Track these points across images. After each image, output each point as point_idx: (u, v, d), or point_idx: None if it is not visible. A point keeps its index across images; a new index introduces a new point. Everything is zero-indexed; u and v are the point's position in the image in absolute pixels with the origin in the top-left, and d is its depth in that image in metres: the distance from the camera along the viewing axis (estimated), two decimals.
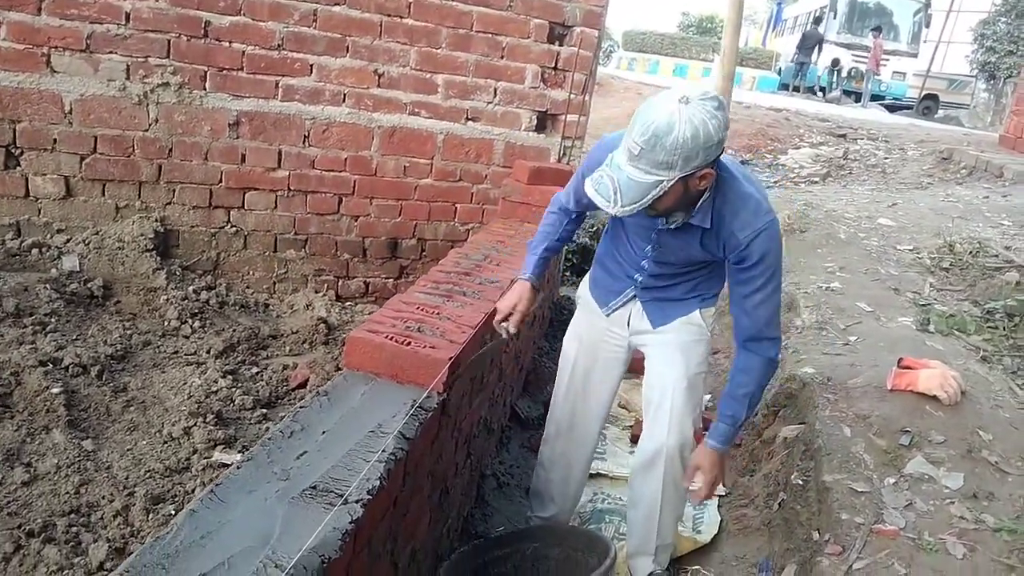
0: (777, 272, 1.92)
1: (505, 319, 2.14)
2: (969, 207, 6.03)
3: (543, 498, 2.57)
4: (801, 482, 2.55)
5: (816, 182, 8.20)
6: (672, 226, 1.96)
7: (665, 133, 1.59)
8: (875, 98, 19.31)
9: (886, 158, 9.16)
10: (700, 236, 1.95)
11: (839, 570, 2.14)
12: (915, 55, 20.67)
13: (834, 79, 19.85)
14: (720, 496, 2.88)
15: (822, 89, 20.08)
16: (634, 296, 2.24)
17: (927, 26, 21.07)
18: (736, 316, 2.03)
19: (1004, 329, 3.49)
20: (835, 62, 19.71)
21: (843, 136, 10.39)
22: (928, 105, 20.04)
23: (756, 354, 2.00)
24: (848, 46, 19.85)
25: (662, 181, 1.65)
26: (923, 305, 3.78)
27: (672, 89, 1.69)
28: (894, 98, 19.96)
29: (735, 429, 2.07)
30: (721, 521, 2.74)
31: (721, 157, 1.78)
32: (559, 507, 2.56)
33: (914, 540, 2.19)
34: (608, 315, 2.31)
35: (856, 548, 2.19)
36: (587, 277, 2.43)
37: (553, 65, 3.94)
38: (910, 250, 4.71)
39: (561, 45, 3.92)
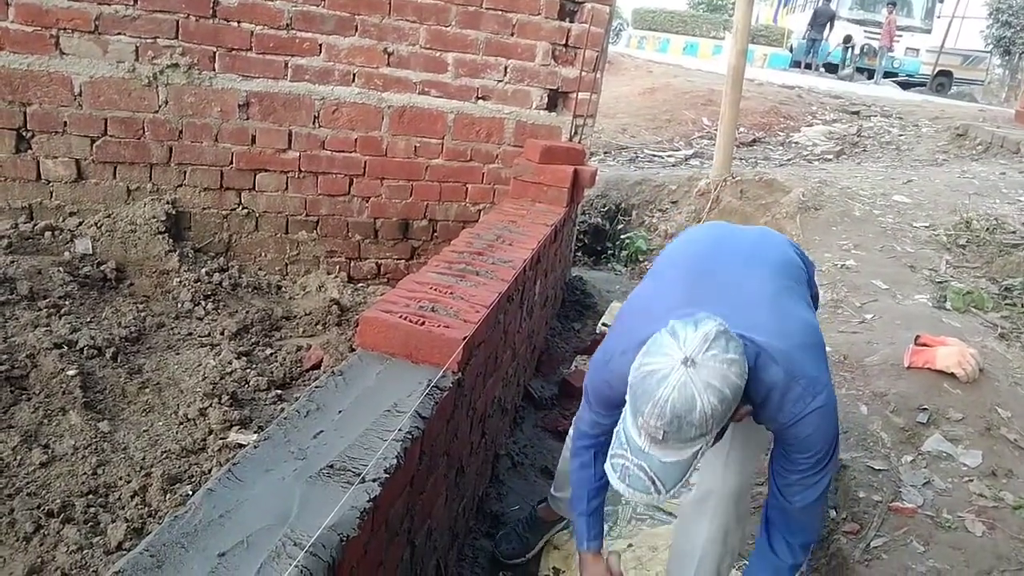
0: (826, 460, 1.64)
1: None
2: (985, 183, 5.97)
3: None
4: None
5: (830, 159, 8.13)
6: None
7: (687, 411, 1.34)
8: (888, 75, 19.10)
9: (900, 135, 9.07)
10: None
11: (856, 548, 2.13)
12: (929, 31, 20.44)
13: (847, 56, 19.64)
14: None
15: (834, 66, 19.87)
16: None
17: (941, 1, 20.79)
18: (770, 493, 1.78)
19: (1022, 306, 3.46)
20: (847, 39, 19.49)
21: (856, 113, 10.29)
22: (942, 81, 19.83)
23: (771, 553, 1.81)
24: (861, 22, 19.62)
25: (699, 448, 1.40)
26: (940, 282, 3.75)
27: (663, 344, 1.40)
28: (907, 75, 19.75)
29: None
30: None
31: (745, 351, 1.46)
32: None
33: (932, 518, 2.18)
34: None
35: (874, 526, 2.19)
36: None
37: (564, 42, 3.89)
38: (926, 227, 4.66)
39: (572, 22, 3.87)
